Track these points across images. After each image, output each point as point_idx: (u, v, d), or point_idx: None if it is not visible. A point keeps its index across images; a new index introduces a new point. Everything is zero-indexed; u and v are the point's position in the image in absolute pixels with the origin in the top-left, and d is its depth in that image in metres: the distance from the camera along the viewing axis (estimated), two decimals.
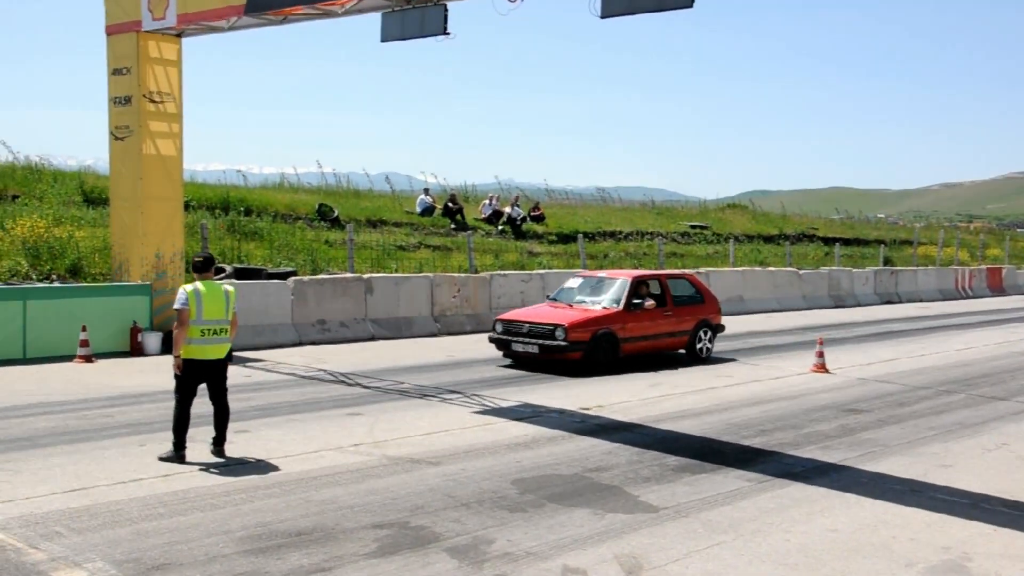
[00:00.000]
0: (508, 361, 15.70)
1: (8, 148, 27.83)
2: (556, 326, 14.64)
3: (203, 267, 8.94)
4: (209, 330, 8.67)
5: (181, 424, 8.60)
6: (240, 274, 18.05)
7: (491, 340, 15.64)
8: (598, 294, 15.82)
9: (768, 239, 40.29)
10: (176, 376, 8.67)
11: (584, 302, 15.62)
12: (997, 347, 19.66)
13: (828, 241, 42.16)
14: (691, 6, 10.97)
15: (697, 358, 16.34)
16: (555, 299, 16.15)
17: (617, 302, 15.40)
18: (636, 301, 15.47)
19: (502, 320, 15.56)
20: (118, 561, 6.07)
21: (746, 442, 10.13)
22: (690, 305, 16.59)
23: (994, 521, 7.47)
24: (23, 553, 6.17)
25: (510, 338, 15.19)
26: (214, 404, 8.84)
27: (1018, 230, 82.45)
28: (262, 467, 8.52)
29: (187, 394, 8.68)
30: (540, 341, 14.69)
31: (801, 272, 29.97)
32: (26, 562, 6.02)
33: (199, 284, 8.74)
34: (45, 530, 6.62)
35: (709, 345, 16.69)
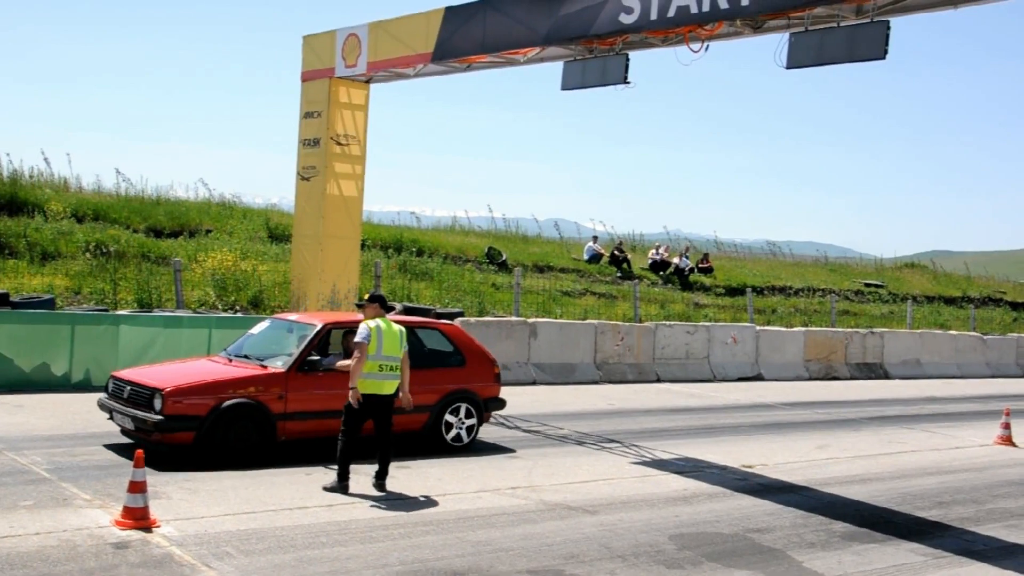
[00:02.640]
0: (672, 412, 15.42)
1: (206, 186, 29.75)
2: (154, 391, 9.66)
3: (386, 305, 9.27)
4: (386, 366, 8.97)
5: (347, 456, 8.87)
6: (409, 313, 18.52)
7: (99, 405, 10.59)
8: (281, 346, 11.01)
9: (949, 301, 38.25)
10: (347, 408, 8.96)
11: (262, 357, 10.67)
12: None
13: (1017, 306, 39.64)
14: (883, 57, 10.60)
15: (445, 445, 11.16)
16: (231, 351, 11.08)
17: (288, 359, 10.40)
18: (313, 359, 10.36)
19: (113, 376, 10.60)
20: None
21: (921, 514, 9.57)
22: (439, 368, 11.32)
23: None
24: (196, 570, 6.46)
25: (113, 404, 10.22)
26: (380, 439, 9.07)
27: None
28: (421, 503, 8.65)
29: (355, 427, 8.96)
30: (136, 412, 9.75)
31: (986, 337, 28.28)
32: None
33: (380, 321, 9.05)
34: (217, 549, 6.93)
35: (468, 425, 11.38)
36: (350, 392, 8.89)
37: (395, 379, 9.10)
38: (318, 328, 10.59)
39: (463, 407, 11.32)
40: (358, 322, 10.69)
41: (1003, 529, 9.13)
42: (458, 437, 11.28)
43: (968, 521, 9.37)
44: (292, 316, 11.74)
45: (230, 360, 10.65)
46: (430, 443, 11.03)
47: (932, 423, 16.40)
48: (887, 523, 9.09)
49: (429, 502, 8.71)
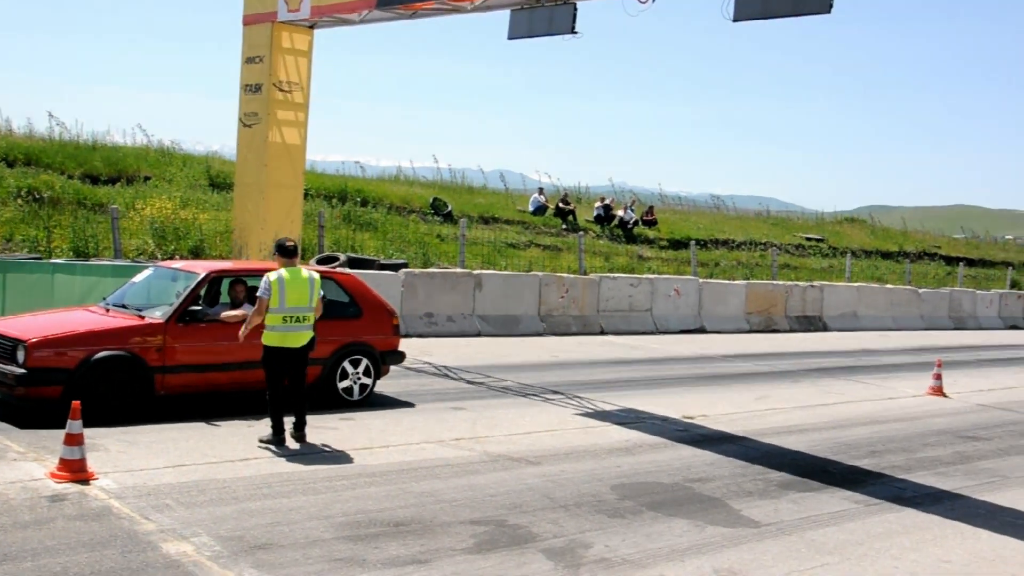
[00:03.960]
0: (615, 364, 15.57)
1: (144, 132, 29.07)
2: (16, 343, 9.07)
3: (292, 253, 8.95)
4: (291, 317, 8.73)
5: (277, 408, 8.75)
6: (353, 264, 18.38)
7: None
8: (163, 295, 10.41)
9: (887, 255, 39.03)
10: (264, 361, 8.80)
11: (141, 307, 10.08)
12: None
13: (951, 261, 40.59)
14: (829, 11, 10.66)
15: (340, 400, 10.69)
16: (111, 301, 10.43)
17: (168, 309, 9.83)
18: (195, 309, 9.85)
19: None
20: (222, 537, 6.23)
21: (855, 462, 9.81)
22: (333, 319, 10.44)
23: None
24: (136, 522, 6.39)
25: None
26: (294, 391, 8.89)
27: None
28: (364, 455, 8.63)
29: (276, 379, 8.82)
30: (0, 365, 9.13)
31: (920, 291, 28.93)
32: (138, 531, 6.23)
33: (283, 272, 8.76)
34: (156, 501, 6.85)
35: (365, 381, 10.96)
36: (239, 335, 8.83)
37: (306, 330, 8.84)
38: (201, 277, 10.05)
39: (359, 360, 10.90)
40: (246, 271, 10.67)
41: (932, 476, 9.40)
42: (353, 390, 10.85)
43: (899, 469, 9.63)
44: (176, 264, 11.23)
45: (107, 310, 10.08)
46: (325, 397, 10.53)
47: (868, 374, 16.78)
48: (823, 472, 9.30)
49: (372, 454, 8.70)
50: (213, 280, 10.37)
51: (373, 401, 11.04)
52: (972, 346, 23.76)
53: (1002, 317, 31.11)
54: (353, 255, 19.50)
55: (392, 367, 12.25)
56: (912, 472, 9.56)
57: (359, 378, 10.91)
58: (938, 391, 14.76)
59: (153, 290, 10.63)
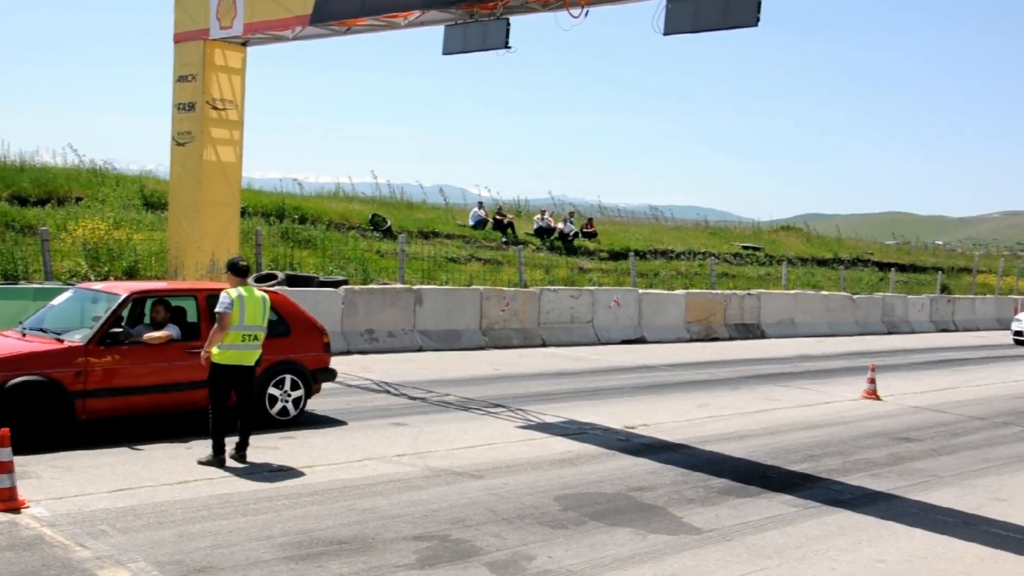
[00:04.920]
0: (557, 376, 15.64)
1: (75, 151, 28.53)
2: None
3: (245, 272, 9.05)
4: (249, 336, 8.80)
5: (219, 428, 8.68)
6: (291, 281, 18.23)
7: None
8: (83, 318, 10.22)
9: (822, 263, 39.76)
10: (211, 380, 8.76)
11: (60, 331, 9.79)
12: None
13: (883, 266, 41.49)
14: (756, 24, 10.88)
15: (271, 420, 10.42)
16: (28, 325, 10.16)
17: (88, 332, 9.54)
18: (116, 331, 9.50)
19: None
20: (161, 562, 6.13)
21: (793, 467, 9.97)
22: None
23: None
24: (70, 550, 6.26)
25: None
26: (241, 410, 8.89)
27: None
28: (305, 474, 8.56)
29: (221, 398, 8.77)
30: None
31: (855, 297, 29.53)
32: (72, 559, 6.10)
33: (242, 289, 8.84)
34: (92, 528, 6.72)
35: (295, 397, 10.69)
36: (202, 355, 8.75)
37: (257, 349, 8.94)
38: (122, 298, 9.78)
39: (288, 379, 10.64)
40: (169, 292, 10.54)
41: (867, 478, 9.59)
42: (284, 411, 10.60)
43: (836, 472, 9.81)
44: (97, 285, 10.99)
45: (23, 335, 9.78)
46: (256, 418, 9.83)
47: (805, 380, 17.07)
48: (762, 477, 9.44)
49: (314, 472, 8.63)
50: (136, 301, 10.19)
51: (314, 419, 10.95)
52: (904, 350, 24.30)
53: (933, 321, 31.85)
54: (292, 273, 19.34)
55: (334, 384, 12.23)
56: (848, 475, 9.74)
57: (289, 396, 10.66)
58: (872, 395, 15.06)
59: (73, 313, 10.34)
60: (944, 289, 38.14)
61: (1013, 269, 45.52)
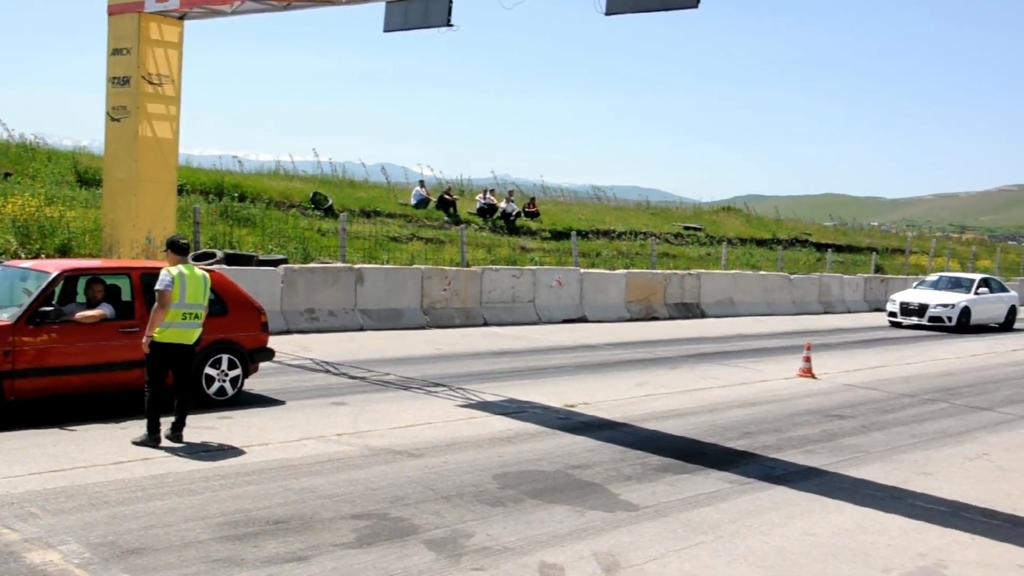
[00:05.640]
0: (498, 355, 15.69)
1: (4, 126, 27.76)
2: None
3: (186, 250, 8.95)
4: (190, 314, 8.72)
5: (154, 407, 8.56)
6: (231, 260, 18.00)
7: None
8: (11, 297, 9.88)
9: (761, 243, 40.35)
10: (148, 358, 8.64)
11: None
12: (982, 357, 19.73)
13: (820, 247, 42.23)
14: (696, 6, 11.00)
15: (208, 399, 10.28)
16: None
17: (17, 311, 9.29)
18: (46, 310, 9.24)
19: None
20: (92, 544, 6.05)
21: (729, 444, 10.14)
22: None
23: (971, 529, 7.50)
24: None
25: None
26: (178, 389, 8.78)
27: (1009, 243, 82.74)
28: (243, 453, 8.49)
29: (159, 377, 8.66)
30: None
31: (792, 277, 30.02)
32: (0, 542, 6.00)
33: (182, 267, 8.75)
34: (20, 511, 6.60)
35: (232, 377, 10.59)
36: (144, 340, 8.62)
37: (197, 328, 8.86)
38: (53, 276, 9.49)
39: (225, 358, 10.48)
40: (101, 269, 10.29)
41: (800, 455, 9.80)
42: (221, 390, 10.45)
43: (771, 449, 10.01)
44: (27, 263, 10.67)
45: None
46: (193, 398, 9.57)
47: (742, 359, 17.34)
48: (699, 454, 9.59)
49: (251, 452, 8.56)
50: (67, 279, 9.91)
51: (252, 399, 10.86)
52: (839, 329, 24.79)
53: (867, 300, 32.53)
54: (231, 251, 19.10)
55: (273, 363, 12.13)
56: (782, 451, 9.94)
57: (226, 376, 10.53)
58: (808, 373, 15.36)
59: (1, 291, 10.01)
60: (878, 270, 38.98)
61: (944, 250, 46.63)
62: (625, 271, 24.90)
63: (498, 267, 22.02)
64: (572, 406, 11.70)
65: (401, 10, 13.09)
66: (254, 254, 19.39)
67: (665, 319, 24.30)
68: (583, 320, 22.39)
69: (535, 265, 24.63)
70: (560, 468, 8.66)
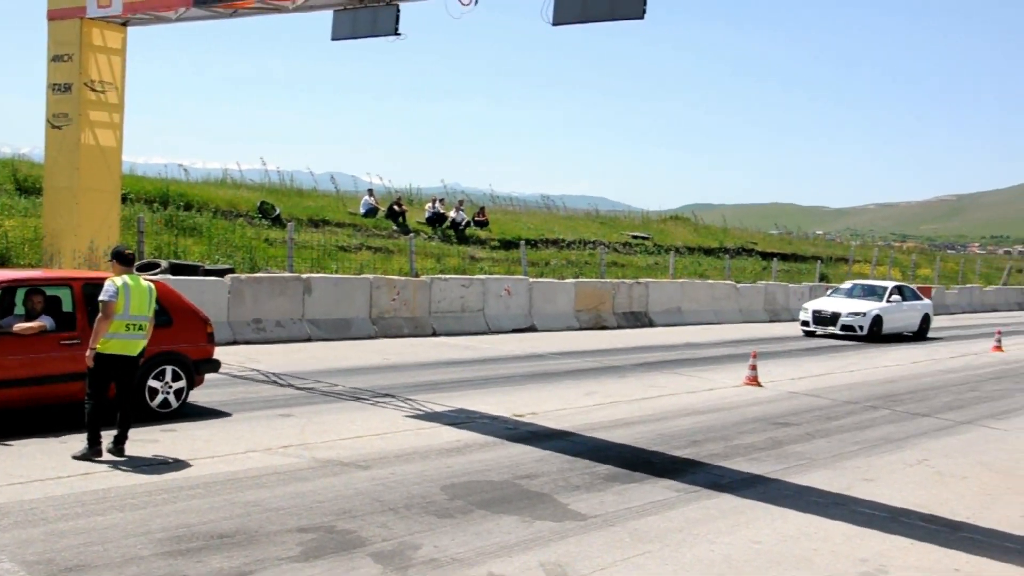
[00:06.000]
0: (447, 365, 15.66)
1: None
2: None
3: (131, 261, 8.86)
4: (134, 325, 8.59)
5: (95, 420, 8.41)
6: (176, 270, 17.76)
7: None
8: None
9: (708, 252, 40.78)
10: (90, 371, 8.49)
11: None
12: (922, 365, 20.12)
13: (767, 256, 42.80)
14: (642, 17, 11.10)
15: (152, 412, 10.10)
16: None
17: None
18: None
19: None
20: (28, 562, 5.91)
21: (676, 453, 10.22)
22: None
23: (911, 535, 7.63)
24: None
25: None
26: (121, 402, 8.65)
27: (948, 251, 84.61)
28: (187, 466, 8.37)
29: (101, 389, 8.51)
30: None
31: (739, 286, 30.36)
32: None
33: (127, 278, 8.63)
34: None
35: (176, 389, 10.43)
36: (87, 353, 8.47)
37: (142, 339, 8.74)
38: None
39: (169, 370, 10.31)
40: (41, 280, 10.06)
41: (746, 462, 9.91)
42: (165, 403, 10.27)
43: (717, 457, 10.10)
44: None
45: None
46: (137, 408, 9.40)
47: (690, 367, 17.49)
48: (646, 463, 9.64)
49: (196, 465, 8.44)
50: (5, 290, 9.70)
51: (197, 411, 10.71)
52: (785, 337, 25.12)
53: None
54: (176, 261, 18.85)
55: (220, 375, 11.99)
56: (729, 459, 10.04)
57: (170, 388, 10.35)
58: (754, 381, 15.54)
59: None
60: (823, 278, 39.57)
61: (886, 259, 47.52)
62: (574, 280, 25.01)
63: (447, 277, 21.98)
64: (521, 416, 11.71)
65: (349, 19, 13.05)
66: (200, 264, 19.16)
67: (614, 328, 24.44)
68: (532, 329, 22.44)
69: (484, 275, 24.64)
70: (508, 478, 8.65)
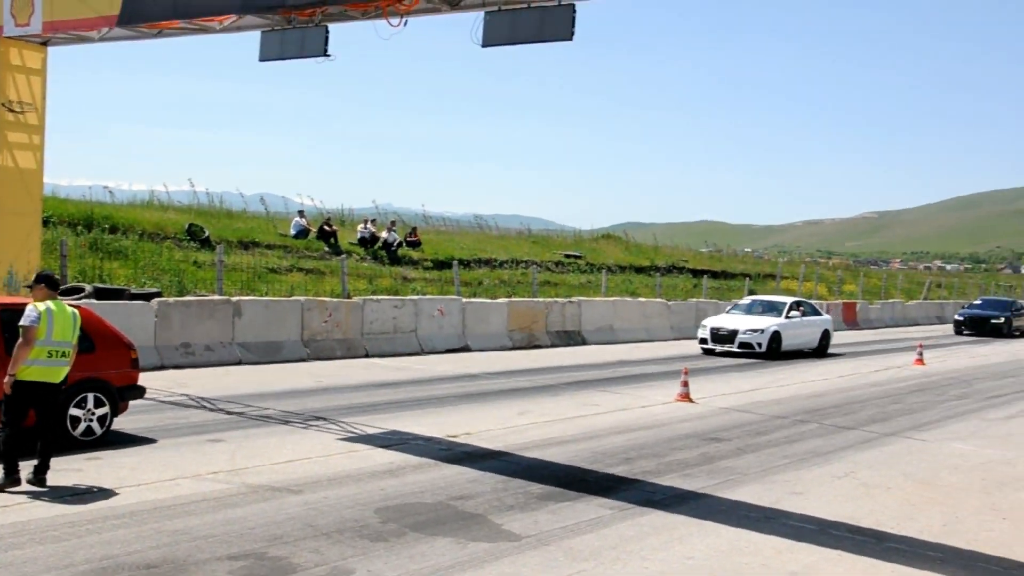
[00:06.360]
0: (380, 387, 15.55)
1: None
2: None
3: (56, 286, 8.68)
4: (56, 352, 8.39)
5: (11, 449, 8.17)
6: (101, 294, 17.37)
7: None
8: None
9: (640, 270, 41.22)
10: (7, 398, 8.27)
11: None
12: (848, 379, 20.56)
13: (697, 273, 43.39)
14: (571, 39, 11.23)
15: (74, 440, 9.88)
16: None
17: None
18: None
19: None
20: None
21: (610, 470, 10.28)
22: None
23: (839, 546, 7.77)
24: None
25: None
26: (42, 430, 8.43)
27: (872, 267, 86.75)
28: (112, 496, 8.17)
29: (18, 417, 8.29)
30: None
31: (670, 303, 30.70)
32: None
33: (51, 304, 8.44)
34: None
35: (100, 416, 10.22)
36: (5, 380, 8.26)
37: (65, 366, 8.56)
38: None
39: (91, 396, 10.11)
40: None
41: (679, 479, 10.00)
42: (88, 431, 10.06)
43: (650, 474, 10.18)
44: None
45: None
46: (59, 439, 9.29)
47: (622, 385, 17.62)
48: (580, 481, 9.68)
49: (122, 493, 8.24)
50: None
51: (122, 439, 10.47)
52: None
53: None
54: (100, 285, 18.45)
55: (147, 401, 11.77)
56: (662, 476, 10.12)
57: (93, 415, 10.14)
58: (685, 397, 15.71)
59: None
60: (752, 295, 40.25)
61: (812, 275, 48.52)
62: (507, 300, 25.06)
63: (380, 298, 21.87)
64: (454, 437, 11.67)
65: (277, 39, 12.95)
66: (126, 288, 18.78)
67: (547, 347, 24.52)
68: (466, 349, 22.41)
69: (417, 295, 24.56)
70: (442, 500, 8.61)
